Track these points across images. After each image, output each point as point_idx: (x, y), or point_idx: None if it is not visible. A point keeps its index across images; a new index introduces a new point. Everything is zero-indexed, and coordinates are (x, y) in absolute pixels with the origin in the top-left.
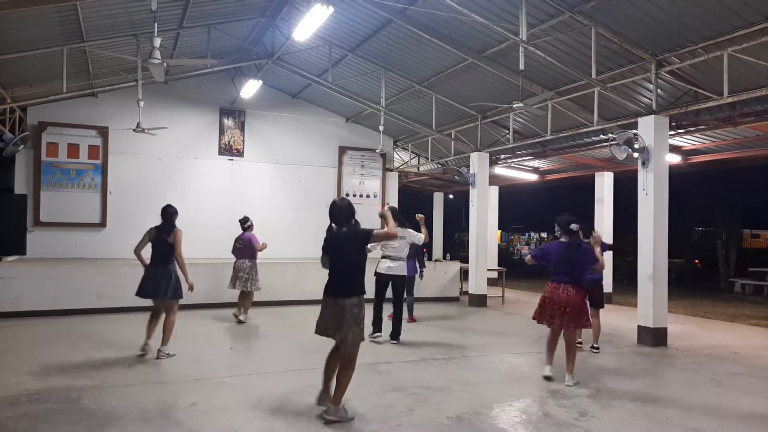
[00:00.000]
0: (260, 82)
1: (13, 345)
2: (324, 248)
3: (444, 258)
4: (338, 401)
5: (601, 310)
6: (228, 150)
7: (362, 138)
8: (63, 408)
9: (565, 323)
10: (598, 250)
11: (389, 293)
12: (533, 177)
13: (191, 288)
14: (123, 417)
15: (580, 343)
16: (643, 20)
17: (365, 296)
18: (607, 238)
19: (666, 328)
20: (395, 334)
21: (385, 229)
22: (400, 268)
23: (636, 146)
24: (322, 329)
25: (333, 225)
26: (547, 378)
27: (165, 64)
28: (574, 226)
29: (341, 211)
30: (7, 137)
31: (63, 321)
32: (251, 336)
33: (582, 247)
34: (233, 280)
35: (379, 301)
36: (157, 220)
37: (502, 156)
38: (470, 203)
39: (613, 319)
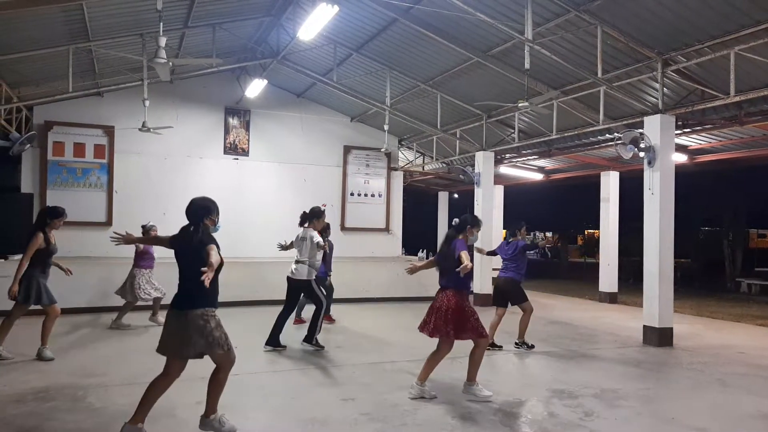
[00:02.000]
0: (265, 82)
1: (19, 343)
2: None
3: None
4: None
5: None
6: (233, 149)
7: (367, 137)
8: (69, 406)
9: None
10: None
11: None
12: (538, 176)
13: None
14: (129, 415)
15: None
16: (650, 19)
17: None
18: (613, 237)
19: (672, 328)
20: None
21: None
22: (300, 272)
23: (642, 145)
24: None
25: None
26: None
27: (170, 63)
28: (455, 221)
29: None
30: (14, 136)
31: (68, 319)
32: (255, 334)
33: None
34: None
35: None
36: (160, 220)
37: (507, 155)
38: (475, 203)
39: (619, 318)
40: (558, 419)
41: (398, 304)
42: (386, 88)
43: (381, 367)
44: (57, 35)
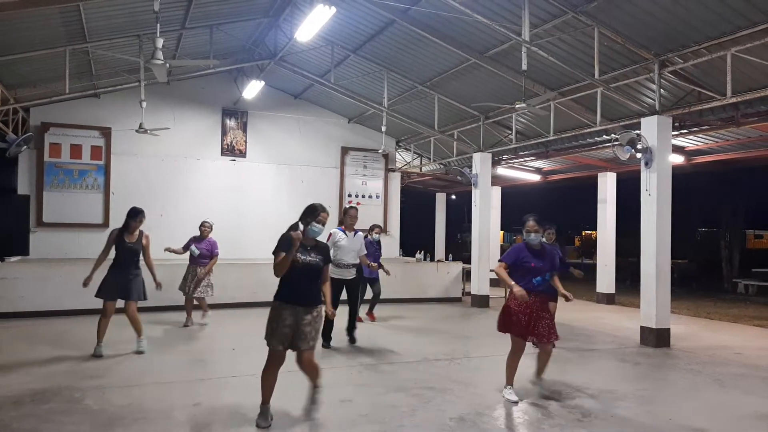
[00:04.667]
0: (262, 83)
1: (17, 345)
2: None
3: (446, 258)
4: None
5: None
6: (230, 151)
7: (365, 138)
8: (66, 408)
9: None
10: None
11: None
12: (536, 177)
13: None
14: (126, 417)
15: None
16: (646, 20)
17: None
18: (610, 238)
19: (669, 329)
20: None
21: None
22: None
23: (639, 147)
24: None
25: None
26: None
27: (167, 64)
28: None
29: None
30: (11, 138)
31: (66, 321)
32: (253, 336)
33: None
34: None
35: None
36: (159, 222)
37: (505, 156)
38: (472, 204)
39: (616, 319)
40: (556, 420)
41: (397, 306)
42: (384, 89)
43: (379, 368)
44: (54, 36)
